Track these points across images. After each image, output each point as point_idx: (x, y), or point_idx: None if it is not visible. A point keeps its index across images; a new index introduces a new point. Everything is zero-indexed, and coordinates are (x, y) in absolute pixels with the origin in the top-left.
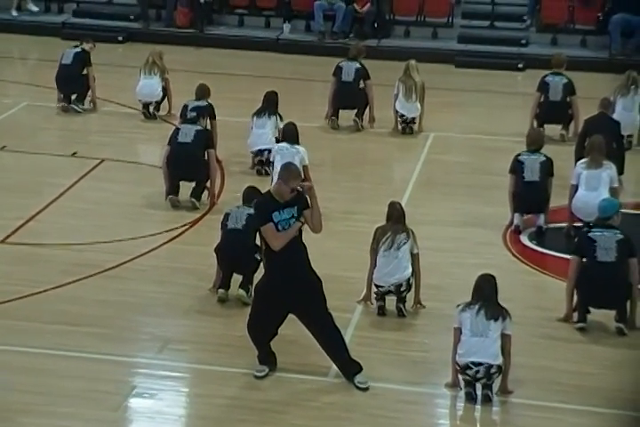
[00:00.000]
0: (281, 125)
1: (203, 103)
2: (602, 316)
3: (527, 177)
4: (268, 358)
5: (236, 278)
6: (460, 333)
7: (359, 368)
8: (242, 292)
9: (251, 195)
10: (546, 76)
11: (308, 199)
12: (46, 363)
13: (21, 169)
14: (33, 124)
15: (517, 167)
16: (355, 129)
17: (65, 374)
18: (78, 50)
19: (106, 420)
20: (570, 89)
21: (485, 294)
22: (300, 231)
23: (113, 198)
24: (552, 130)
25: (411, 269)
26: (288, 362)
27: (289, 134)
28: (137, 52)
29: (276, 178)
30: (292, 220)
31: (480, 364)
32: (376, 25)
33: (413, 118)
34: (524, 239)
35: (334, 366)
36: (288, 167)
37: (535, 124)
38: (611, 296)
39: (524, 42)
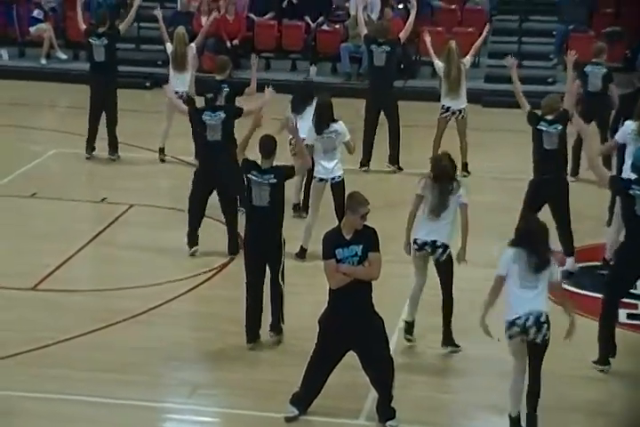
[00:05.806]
0: None
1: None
2: None
3: (546, 145)
4: (301, 401)
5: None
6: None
7: (393, 415)
8: (272, 334)
9: (268, 145)
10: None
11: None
12: (77, 410)
13: (51, 216)
14: (62, 170)
15: (537, 136)
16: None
17: (96, 420)
18: (105, 42)
19: None
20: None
21: (538, 241)
22: None
23: (141, 243)
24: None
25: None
26: (318, 405)
27: (324, 112)
28: (164, 97)
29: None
30: (355, 258)
31: (530, 314)
32: (402, 66)
33: (459, 110)
34: None
35: (365, 409)
36: (353, 195)
37: None
38: None
39: (550, 80)
